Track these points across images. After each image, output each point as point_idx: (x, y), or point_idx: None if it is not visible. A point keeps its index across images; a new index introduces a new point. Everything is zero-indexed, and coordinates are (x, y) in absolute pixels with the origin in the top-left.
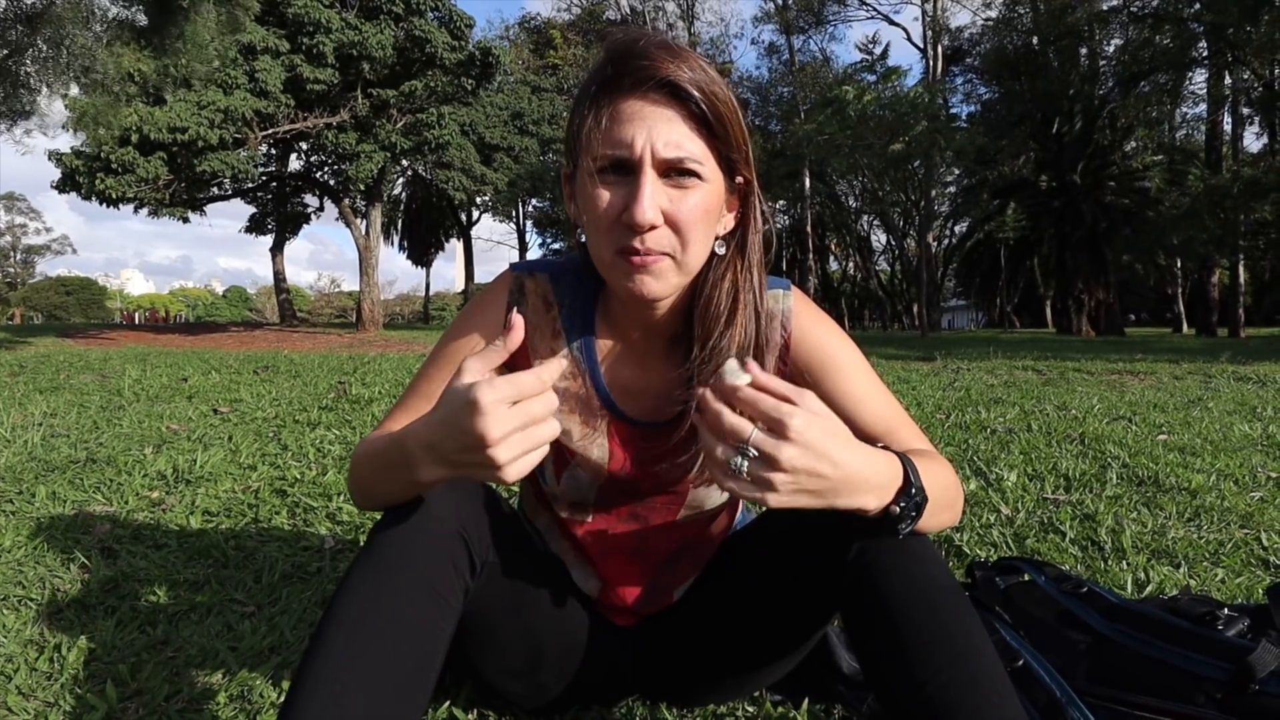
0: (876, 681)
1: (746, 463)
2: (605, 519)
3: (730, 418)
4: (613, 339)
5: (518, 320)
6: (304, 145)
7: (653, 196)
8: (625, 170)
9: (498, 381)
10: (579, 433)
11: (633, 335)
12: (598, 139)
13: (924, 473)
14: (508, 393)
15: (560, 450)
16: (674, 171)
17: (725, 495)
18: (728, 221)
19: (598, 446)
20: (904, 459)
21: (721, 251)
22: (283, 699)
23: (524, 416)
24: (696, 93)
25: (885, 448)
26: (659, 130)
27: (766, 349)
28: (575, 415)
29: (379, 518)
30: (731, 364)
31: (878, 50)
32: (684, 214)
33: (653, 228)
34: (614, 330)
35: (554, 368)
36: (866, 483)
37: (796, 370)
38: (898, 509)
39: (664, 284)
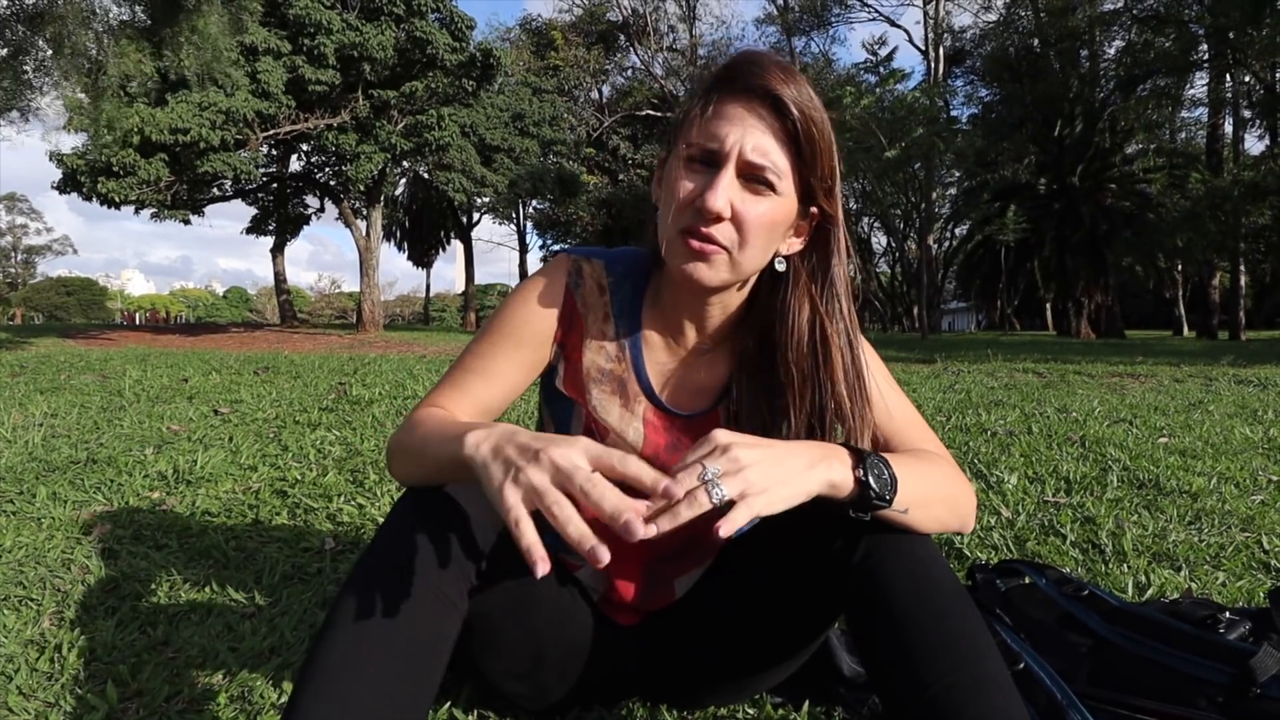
0: (881, 685)
1: (721, 481)
2: None
3: (687, 470)
4: (659, 329)
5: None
6: (305, 146)
7: (727, 190)
8: (711, 162)
9: (613, 454)
10: (617, 414)
11: (679, 328)
12: (696, 129)
13: (902, 461)
14: (596, 460)
15: (594, 430)
16: (753, 176)
17: None
18: (794, 244)
19: (633, 430)
20: (844, 445)
21: (782, 269)
22: (286, 699)
23: (578, 482)
24: (796, 111)
25: (845, 443)
26: (751, 135)
27: (863, 392)
28: (615, 397)
29: (383, 518)
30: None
31: (884, 52)
32: (749, 216)
33: (719, 218)
34: (661, 321)
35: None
36: (808, 449)
37: None
38: (863, 473)
39: (715, 274)
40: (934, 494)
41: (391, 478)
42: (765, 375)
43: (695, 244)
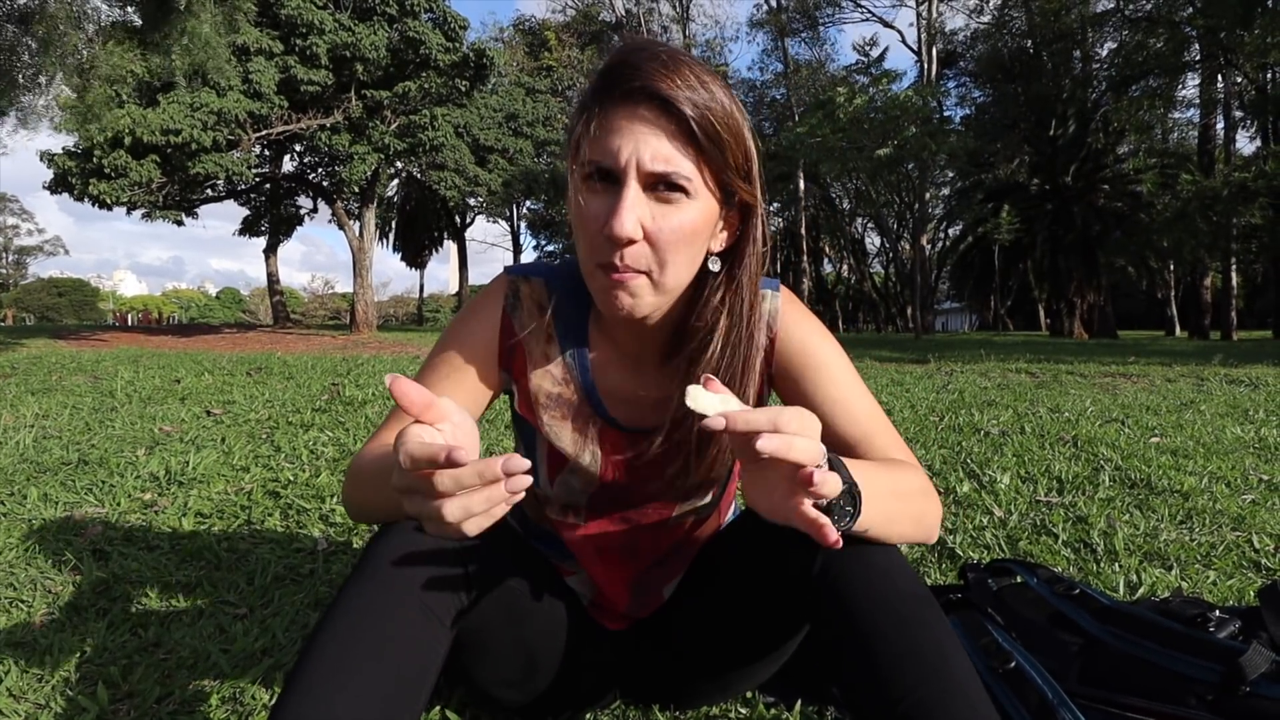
0: (850, 702)
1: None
2: (598, 522)
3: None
4: (605, 346)
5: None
6: (297, 147)
7: (633, 209)
8: (611, 180)
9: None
10: (571, 440)
11: (625, 343)
12: (587, 146)
13: (868, 471)
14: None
15: (555, 454)
16: (661, 185)
17: (713, 497)
18: (723, 239)
19: (589, 454)
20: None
21: (716, 269)
22: (272, 706)
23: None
24: (689, 109)
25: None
26: (646, 143)
27: (751, 362)
28: (567, 422)
29: (376, 530)
30: (693, 390)
31: (875, 53)
32: (664, 232)
33: (631, 242)
34: (606, 338)
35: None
36: None
37: (779, 371)
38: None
39: (640, 302)
40: (899, 510)
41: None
42: None
43: (615, 276)
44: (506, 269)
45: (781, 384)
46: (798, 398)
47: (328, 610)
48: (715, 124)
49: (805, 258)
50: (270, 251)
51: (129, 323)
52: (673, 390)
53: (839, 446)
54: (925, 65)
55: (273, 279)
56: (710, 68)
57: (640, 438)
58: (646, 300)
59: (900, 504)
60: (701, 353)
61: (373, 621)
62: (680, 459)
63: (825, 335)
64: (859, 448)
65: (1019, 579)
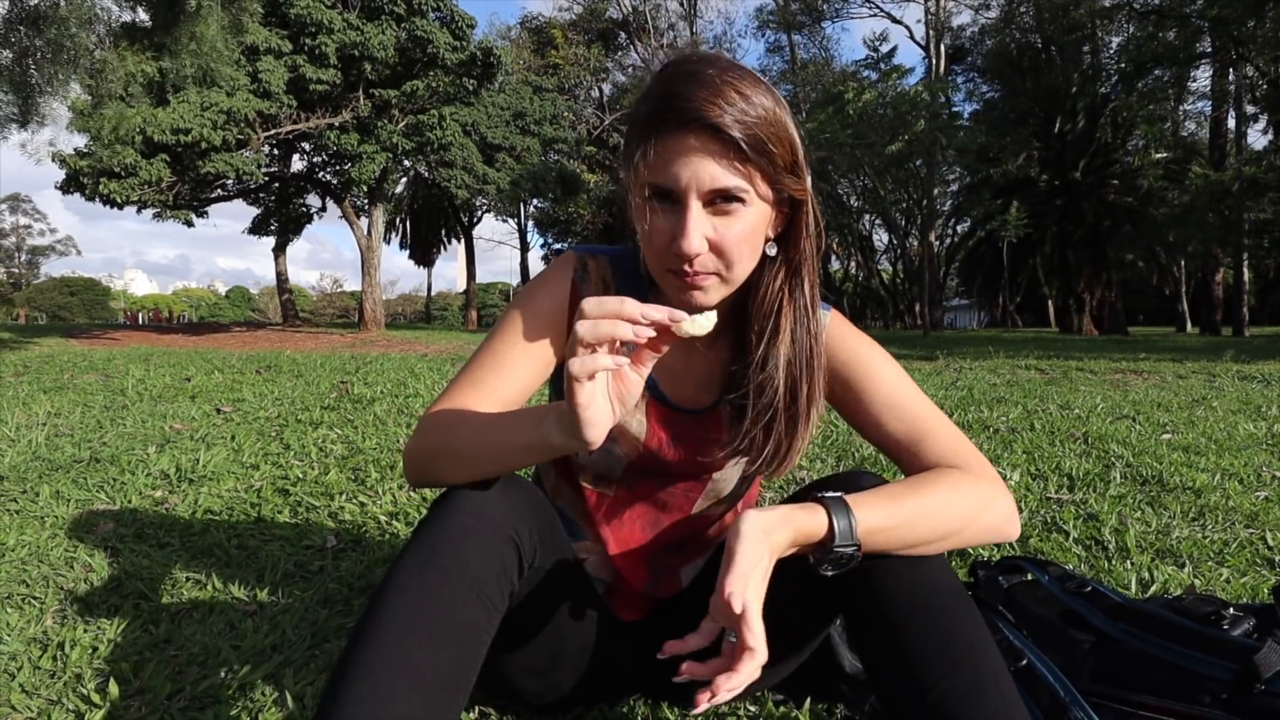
0: (879, 689)
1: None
2: (627, 496)
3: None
4: None
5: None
6: (306, 146)
7: (697, 228)
8: (673, 199)
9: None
10: None
11: None
12: (646, 170)
13: (893, 496)
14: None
15: None
16: (719, 200)
17: (739, 483)
18: (777, 224)
19: (636, 422)
20: (829, 506)
21: (773, 253)
22: (288, 696)
23: (588, 335)
24: (737, 131)
25: (809, 491)
26: (703, 166)
27: (815, 364)
28: None
29: (426, 515)
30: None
31: (885, 48)
32: (728, 241)
33: (698, 255)
34: None
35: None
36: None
37: (831, 379)
38: (814, 559)
39: (712, 297)
40: (922, 531)
41: (413, 483)
42: None
43: (686, 280)
44: (573, 248)
45: (831, 392)
46: (849, 403)
47: (380, 591)
48: (762, 136)
49: None
50: (279, 250)
51: (140, 321)
52: (720, 371)
53: (892, 447)
54: (933, 61)
55: (281, 278)
56: (752, 72)
57: (684, 416)
58: (717, 294)
59: (925, 524)
60: (770, 349)
61: (427, 605)
62: (727, 434)
63: (873, 344)
64: (913, 448)
65: (1030, 576)
